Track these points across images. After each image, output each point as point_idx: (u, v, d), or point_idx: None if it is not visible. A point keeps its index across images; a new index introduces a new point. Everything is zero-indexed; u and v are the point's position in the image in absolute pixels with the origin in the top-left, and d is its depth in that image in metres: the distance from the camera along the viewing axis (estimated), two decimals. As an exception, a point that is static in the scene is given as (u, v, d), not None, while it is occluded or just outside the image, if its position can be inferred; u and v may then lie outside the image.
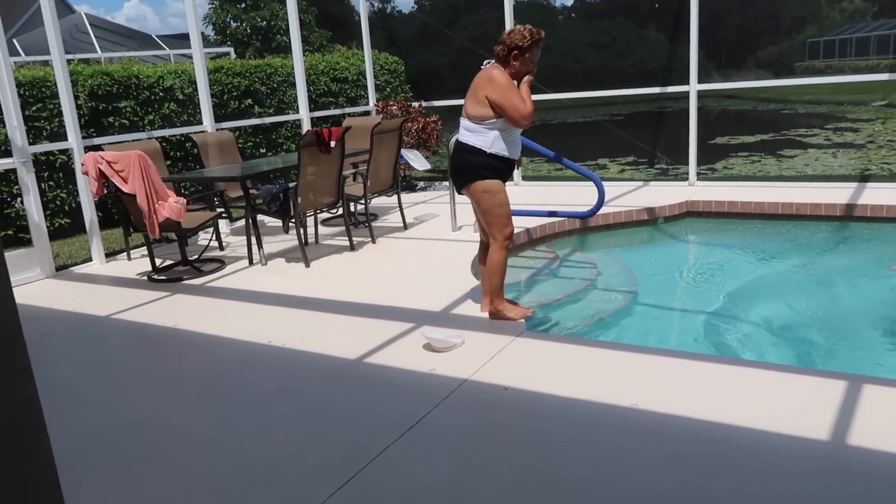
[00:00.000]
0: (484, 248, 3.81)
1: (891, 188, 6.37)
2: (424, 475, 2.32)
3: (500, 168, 3.58)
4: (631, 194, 6.82)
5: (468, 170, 3.58)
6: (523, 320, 3.63)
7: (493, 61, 3.56)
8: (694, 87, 7.00)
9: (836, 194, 6.11)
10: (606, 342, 3.55)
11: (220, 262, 5.32)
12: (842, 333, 3.83)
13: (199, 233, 5.86)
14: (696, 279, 4.89)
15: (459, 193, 3.78)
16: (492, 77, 3.46)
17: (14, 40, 14.95)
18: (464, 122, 3.59)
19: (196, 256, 5.38)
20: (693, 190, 6.80)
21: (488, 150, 3.51)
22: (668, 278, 4.95)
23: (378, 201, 7.20)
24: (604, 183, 4.70)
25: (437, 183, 8.58)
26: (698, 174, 7.31)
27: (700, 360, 3.16)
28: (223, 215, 5.80)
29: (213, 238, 5.80)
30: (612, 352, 3.28)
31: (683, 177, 7.35)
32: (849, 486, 2.09)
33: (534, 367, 3.11)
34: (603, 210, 5.59)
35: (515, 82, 3.50)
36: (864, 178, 7.22)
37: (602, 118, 16.86)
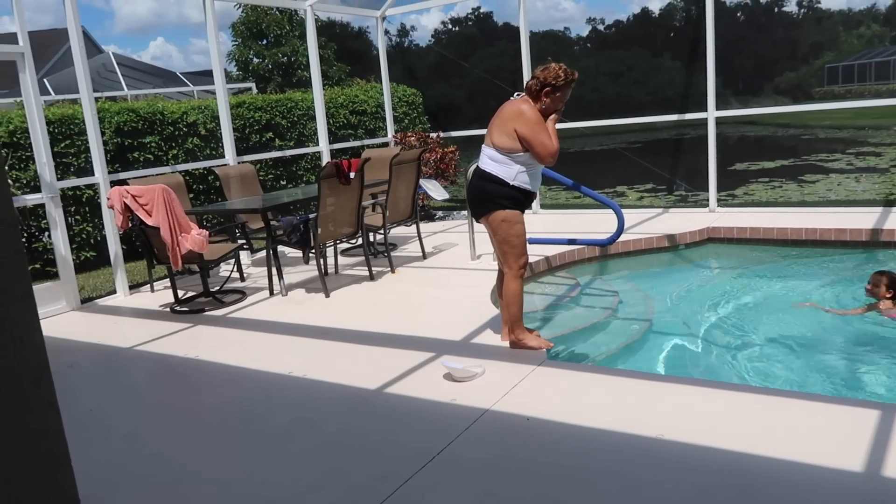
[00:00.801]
0: (501, 277, 3.80)
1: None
2: (446, 508, 2.29)
3: (520, 199, 3.57)
4: (651, 221, 6.79)
5: (488, 199, 3.57)
6: (544, 350, 3.60)
7: (523, 94, 3.56)
8: (712, 113, 7.00)
9: (860, 219, 6.02)
10: (629, 371, 3.50)
11: (242, 293, 5.36)
12: (871, 361, 3.75)
13: (221, 264, 5.92)
14: (720, 307, 4.82)
15: (477, 221, 3.76)
16: (521, 111, 3.45)
17: (45, 80, 15.40)
18: (487, 150, 3.58)
19: (218, 288, 5.43)
20: (714, 216, 6.75)
21: (511, 182, 3.51)
22: (692, 306, 4.88)
23: (397, 231, 7.24)
24: (623, 210, 4.68)
25: (455, 212, 8.61)
26: (719, 200, 7.27)
27: (725, 388, 3.10)
28: (244, 247, 5.85)
29: (235, 269, 5.85)
30: (634, 381, 3.23)
31: (703, 203, 7.30)
32: (885, 520, 2.02)
33: (556, 396, 3.07)
34: (623, 237, 5.57)
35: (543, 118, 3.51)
36: (889, 202, 7.13)
37: (619, 146, 16.88)
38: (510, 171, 3.50)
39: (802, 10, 47.11)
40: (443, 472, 2.51)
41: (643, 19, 44.59)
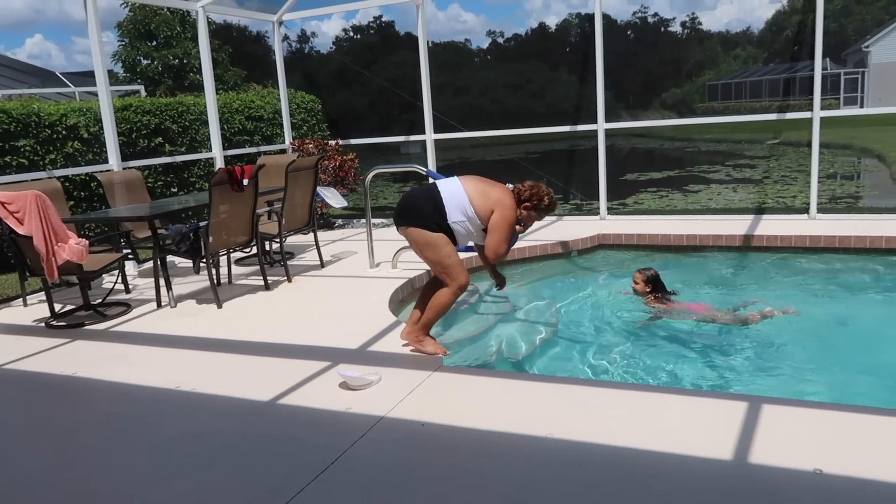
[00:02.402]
0: (432, 284, 3.77)
1: (784, 220, 6.81)
2: (339, 518, 2.26)
3: (446, 234, 3.58)
4: (546, 229, 7.00)
5: (420, 215, 3.55)
6: (441, 356, 3.63)
7: (512, 187, 3.67)
8: (602, 125, 7.32)
9: (735, 226, 6.47)
10: (520, 373, 3.59)
11: (126, 306, 5.08)
12: (743, 354, 4.02)
13: (104, 276, 5.60)
14: (607, 309, 5.03)
15: (397, 228, 3.72)
16: (506, 205, 3.54)
17: None
18: (457, 188, 3.57)
19: (100, 300, 5.12)
20: (604, 224, 7.05)
21: (448, 221, 3.54)
22: (579, 309, 5.07)
23: (294, 239, 7.10)
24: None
25: (354, 220, 8.54)
26: (610, 209, 7.60)
27: (608, 387, 3.24)
28: (129, 257, 5.56)
29: (119, 281, 5.54)
30: (525, 383, 3.32)
31: (596, 211, 7.61)
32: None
33: (451, 401, 3.10)
34: (519, 244, 5.72)
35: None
36: (760, 210, 7.70)
37: (518, 156, 17.33)
38: (456, 216, 3.54)
39: (686, 31, 50.30)
40: (337, 481, 2.47)
41: (541, 34, 46.17)
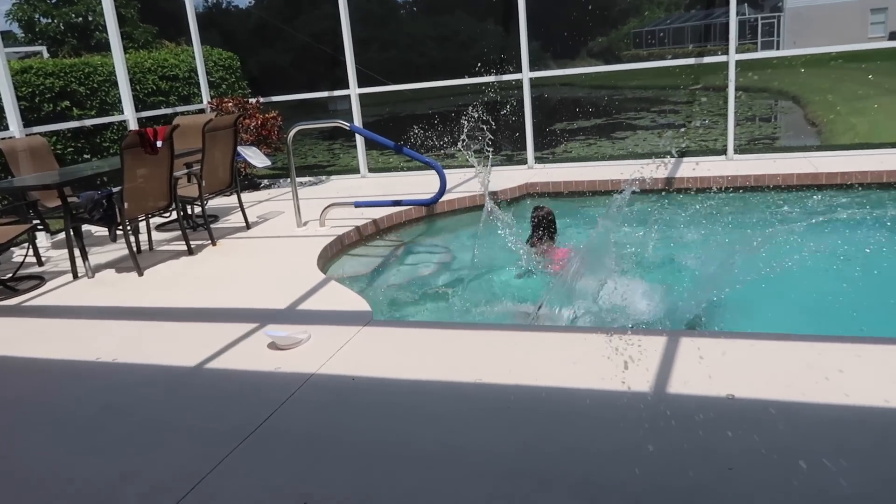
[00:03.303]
0: None
1: (703, 161, 7.02)
2: (270, 476, 2.24)
3: None
4: (474, 180, 6.99)
5: None
6: (370, 310, 3.61)
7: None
8: (526, 74, 7.31)
9: (657, 170, 6.62)
10: (449, 323, 3.62)
11: (39, 279, 4.84)
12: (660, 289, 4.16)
13: (13, 249, 5.31)
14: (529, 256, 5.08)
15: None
16: None
17: None
18: None
19: (10, 275, 4.85)
20: (532, 172, 7.11)
21: None
22: (503, 257, 5.08)
23: (218, 202, 6.88)
24: (449, 171, 4.78)
25: (281, 180, 8.34)
26: (539, 158, 7.65)
27: (532, 331, 3.30)
28: (39, 228, 5.27)
29: (30, 253, 5.26)
30: (454, 331, 3.35)
31: (524, 161, 7.66)
32: (668, 432, 2.26)
33: (380, 355, 3.10)
34: (447, 196, 5.71)
35: None
36: (682, 154, 7.91)
37: (448, 109, 17.19)
38: None
39: (610, -22, 50.48)
40: (266, 442, 2.45)
41: (466, -16, 45.40)
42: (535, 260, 4.66)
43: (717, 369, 2.62)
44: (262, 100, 8.21)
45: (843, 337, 2.81)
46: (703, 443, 2.17)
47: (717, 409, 2.35)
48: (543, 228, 4.76)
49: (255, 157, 6.19)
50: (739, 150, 7.17)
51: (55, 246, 5.98)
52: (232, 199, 6.55)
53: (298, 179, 5.54)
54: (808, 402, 2.35)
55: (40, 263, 5.32)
